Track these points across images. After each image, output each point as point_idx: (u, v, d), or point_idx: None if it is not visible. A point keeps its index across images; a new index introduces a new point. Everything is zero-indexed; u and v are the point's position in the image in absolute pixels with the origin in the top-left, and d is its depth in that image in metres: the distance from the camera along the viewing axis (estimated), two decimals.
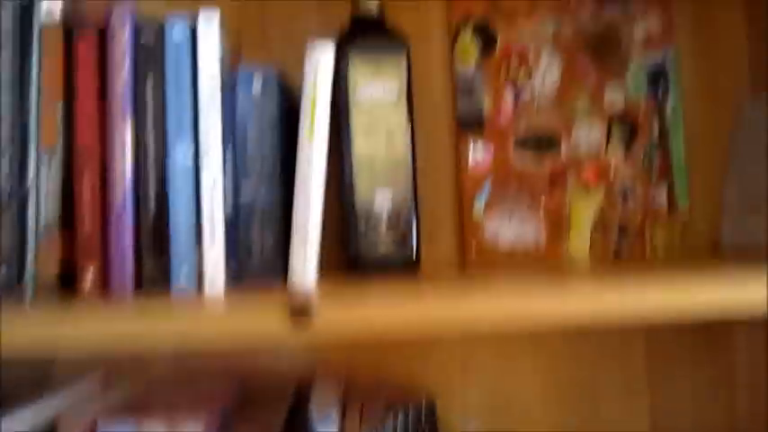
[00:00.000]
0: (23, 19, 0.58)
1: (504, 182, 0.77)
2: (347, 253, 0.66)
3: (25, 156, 0.57)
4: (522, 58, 0.78)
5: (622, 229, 0.77)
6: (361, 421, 0.64)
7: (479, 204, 0.76)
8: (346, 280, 0.61)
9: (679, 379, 0.79)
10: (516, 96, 0.78)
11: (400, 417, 0.66)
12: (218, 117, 0.59)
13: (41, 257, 0.57)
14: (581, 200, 0.77)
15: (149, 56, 0.59)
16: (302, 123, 0.60)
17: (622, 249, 0.77)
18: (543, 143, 0.78)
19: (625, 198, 0.78)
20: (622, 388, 0.78)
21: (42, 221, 0.57)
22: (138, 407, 0.62)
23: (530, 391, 0.78)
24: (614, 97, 0.79)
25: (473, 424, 0.77)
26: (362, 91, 0.65)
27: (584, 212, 0.77)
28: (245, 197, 0.62)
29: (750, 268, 0.50)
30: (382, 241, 0.65)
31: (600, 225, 0.77)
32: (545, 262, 0.75)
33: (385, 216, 0.66)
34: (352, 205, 0.65)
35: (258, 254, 0.62)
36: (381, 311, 0.45)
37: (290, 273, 0.60)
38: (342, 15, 0.74)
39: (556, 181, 0.77)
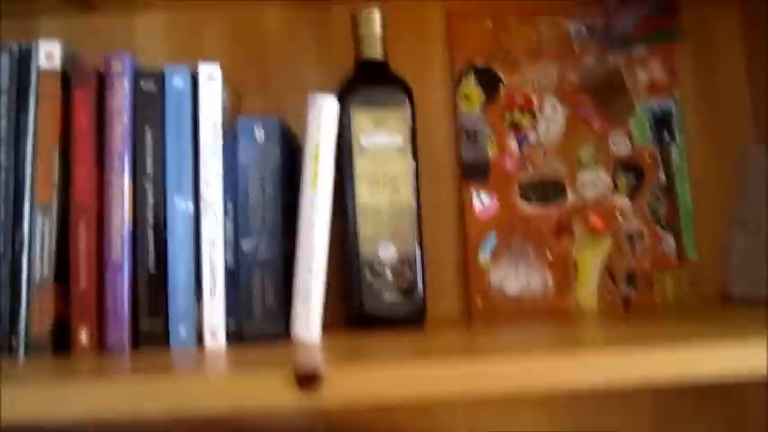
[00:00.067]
0: (21, 64, 0.57)
1: (510, 230, 0.75)
2: (351, 306, 0.64)
3: (19, 209, 0.55)
4: (526, 105, 0.78)
5: (631, 277, 0.76)
6: None
7: (485, 253, 0.75)
8: (352, 338, 0.59)
9: None
10: (520, 143, 0.77)
11: None
12: (219, 167, 0.58)
13: (34, 315, 0.55)
14: (588, 247, 0.76)
15: (149, 103, 0.58)
16: (305, 174, 0.58)
17: (631, 298, 0.75)
18: (549, 190, 0.76)
19: (633, 245, 0.76)
20: None
21: (36, 277, 0.55)
22: None
23: None
24: (619, 143, 0.78)
25: None
26: (366, 139, 0.64)
27: (592, 260, 0.76)
28: (246, 249, 0.60)
29: (754, 326, 0.48)
30: (387, 294, 0.64)
31: (608, 273, 0.76)
32: (552, 313, 0.73)
33: (390, 268, 0.64)
34: (356, 256, 0.64)
35: (259, 307, 0.60)
36: (391, 378, 0.43)
37: (292, 328, 0.58)
38: (342, 61, 0.74)
39: (562, 228, 0.76)
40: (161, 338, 0.56)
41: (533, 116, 0.77)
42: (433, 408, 0.74)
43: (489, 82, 0.78)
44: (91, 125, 0.56)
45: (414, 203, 0.65)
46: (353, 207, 0.64)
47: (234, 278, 0.59)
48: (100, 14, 0.75)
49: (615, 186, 0.77)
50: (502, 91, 0.78)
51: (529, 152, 0.77)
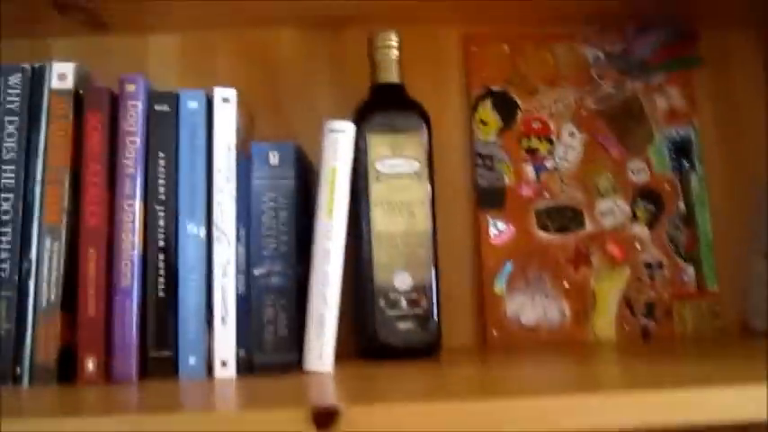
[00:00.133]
0: (33, 83, 0.56)
1: (526, 259, 0.74)
2: (364, 336, 0.63)
3: (28, 232, 0.54)
4: (544, 131, 0.76)
5: (650, 308, 0.74)
6: None
7: (500, 282, 0.73)
8: (365, 370, 0.57)
9: None
10: (537, 170, 0.75)
11: None
12: (233, 192, 0.56)
13: (40, 342, 0.53)
14: (606, 277, 0.74)
15: (162, 126, 0.57)
16: (320, 200, 0.57)
17: (650, 329, 0.73)
18: (566, 218, 0.75)
19: (652, 275, 0.74)
20: None
21: (43, 303, 0.53)
22: None
23: None
24: (638, 171, 0.76)
25: None
26: (382, 165, 0.63)
27: (610, 290, 0.74)
28: (258, 275, 0.58)
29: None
30: (402, 323, 0.62)
31: (626, 303, 0.74)
32: (569, 344, 0.71)
33: (405, 296, 0.62)
34: (370, 284, 0.62)
35: (271, 336, 0.58)
36: (409, 416, 0.41)
37: (305, 358, 0.56)
38: (356, 85, 0.73)
39: (580, 258, 0.74)
40: (170, 367, 0.55)
41: (551, 142, 0.76)
42: None
43: (506, 107, 0.77)
44: (103, 147, 0.55)
45: (430, 230, 0.63)
46: (368, 234, 0.62)
47: (245, 306, 0.58)
48: (113, 36, 0.74)
49: (634, 215, 0.75)
50: (519, 116, 0.76)
51: (546, 179, 0.75)
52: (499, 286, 0.73)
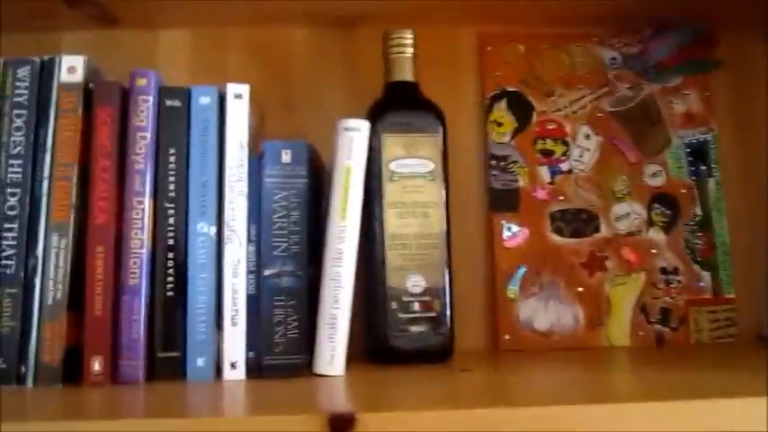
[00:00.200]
0: (42, 77, 0.54)
1: (540, 262, 0.72)
2: (375, 339, 0.61)
3: (34, 229, 0.53)
4: (559, 132, 0.75)
5: (665, 314, 0.72)
6: None
7: (513, 286, 0.72)
8: (377, 374, 0.56)
9: None
10: (552, 172, 0.74)
11: None
12: (244, 190, 0.55)
13: (45, 341, 0.52)
14: (621, 283, 0.72)
15: (173, 122, 0.56)
16: (333, 201, 0.56)
17: (664, 336, 0.72)
18: (581, 222, 0.73)
19: (668, 281, 0.73)
20: None
21: (48, 301, 0.52)
22: None
23: None
24: (654, 175, 0.75)
25: None
26: (396, 166, 0.62)
27: (625, 296, 0.72)
28: (268, 276, 0.57)
29: None
30: (414, 327, 0.60)
31: (640, 309, 0.72)
32: (583, 350, 0.70)
33: (417, 299, 0.61)
34: (383, 287, 0.61)
35: (281, 338, 0.56)
36: (425, 422, 0.40)
37: (315, 362, 0.55)
38: (369, 83, 0.71)
39: (594, 262, 0.73)
40: (177, 369, 0.53)
41: (566, 145, 0.75)
42: None
43: (521, 108, 0.75)
44: (112, 143, 0.54)
45: (444, 232, 0.62)
46: (381, 235, 0.61)
47: (254, 307, 0.56)
48: (123, 31, 0.73)
49: (650, 220, 0.74)
50: (534, 118, 0.75)
51: (561, 182, 0.74)
52: (512, 290, 0.72)
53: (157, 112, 0.55)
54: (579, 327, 0.71)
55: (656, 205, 0.74)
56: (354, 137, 0.56)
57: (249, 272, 0.56)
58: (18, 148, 0.53)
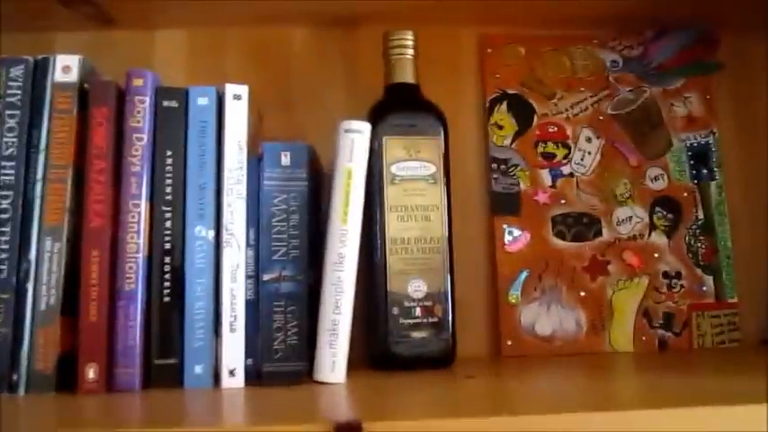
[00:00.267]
0: (36, 76, 0.53)
1: (542, 267, 0.71)
2: (376, 345, 0.60)
3: (27, 232, 0.51)
4: (560, 135, 0.74)
5: (667, 319, 0.72)
6: None
7: (515, 291, 0.71)
8: (379, 381, 0.54)
9: None
10: (554, 175, 0.73)
11: None
12: (243, 192, 0.54)
13: (38, 348, 0.50)
14: (623, 287, 0.72)
15: (171, 123, 0.54)
16: (334, 204, 0.55)
17: (667, 340, 0.71)
18: (583, 226, 0.73)
19: (670, 286, 0.72)
20: None
21: (42, 307, 0.51)
22: None
23: None
24: (656, 178, 0.74)
25: None
26: (397, 168, 0.61)
27: (627, 300, 0.72)
28: (267, 281, 0.56)
29: None
30: (415, 333, 0.59)
31: (643, 314, 0.71)
32: (585, 356, 0.69)
33: (419, 305, 0.60)
34: (383, 292, 0.60)
35: (280, 344, 0.55)
36: (431, 430, 0.39)
37: (316, 369, 0.53)
38: (369, 84, 0.70)
39: (597, 266, 0.72)
40: (175, 376, 0.52)
41: (567, 148, 0.74)
42: None
43: (522, 111, 0.74)
44: (108, 144, 0.52)
45: (446, 236, 0.61)
46: (382, 239, 0.60)
47: (253, 312, 0.55)
48: (119, 31, 0.72)
49: (652, 223, 0.73)
50: (535, 121, 0.74)
51: (562, 185, 0.73)
52: (514, 295, 0.71)
53: (154, 112, 0.54)
54: (582, 332, 0.71)
55: (657, 209, 0.74)
56: (356, 139, 0.55)
57: (248, 277, 0.55)
58: (11, 150, 0.52)
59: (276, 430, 0.36)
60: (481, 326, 0.72)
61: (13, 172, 0.52)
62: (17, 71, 0.53)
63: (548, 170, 0.73)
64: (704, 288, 0.73)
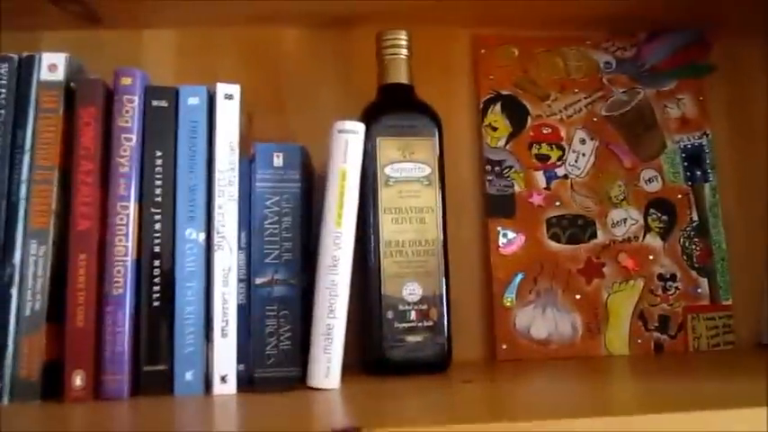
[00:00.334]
0: (21, 74, 0.51)
1: (537, 269, 0.70)
2: (370, 350, 0.59)
3: (11, 235, 0.50)
4: (554, 137, 0.74)
5: (663, 321, 0.71)
6: None
7: (510, 294, 0.70)
8: (374, 387, 0.53)
9: None
10: (548, 177, 0.73)
11: None
12: (235, 194, 0.53)
13: (23, 355, 0.49)
14: (619, 290, 0.71)
15: (160, 123, 0.53)
16: (328, 206, 0.54)
17: (663, 343, 0.71)
18: (578, 228, 0.72)
19: (665, 288, 0.72)
20: None
21: (26, 313, 0.49)
22: None
23: None
24: (650, 180, 0.74)
25: None
26: (392, 170, 0.60)
27: (623, 303, 0.71)
28: (259, 284, 0.55)
29: None
30: (410, 337, 0.58)
31: (639, 317, 0.71)
32: (581, 360, 0.68)
33: (414, 308, 0.59)
34: (378, 296, 0.59)
35: (273, 350, 0.54)
36: None
37: (309, 375, 0.52)
38: (362, 85, 0.69)
39: (592, 269, 0.71)
40: (165, 383, 0.50)
41: (561, 149, 0.73)
42: None
43: (516, 112, 0.74)
44: (95, 144, 0.51)
45: (441, 238, 0.60)
46: (376, 242, 0.59)
47: (245, 317, 0.54)
48: (106, 30, 0.70)
49: (646, 225, 0.73)
50: (529, 122, 0.74)
51: (557, 187, 0.72)
52: (509, 298, 0.70)
53: (143, 112, 0.52)
54: (577, 335, 0.70)
55: (652, 211, 0.73)
56: (350, 139, 0.54)
57: (239, 280, 0.54)
58: None
59: None
60: (476, 329, 0.71)
61: None
62: (1, 69, 0.51)
63: (542, 172, 0.73)
64: (699, 290, 0.72)
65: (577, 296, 0.70)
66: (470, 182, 0.73)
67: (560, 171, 0.73)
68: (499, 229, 0.71)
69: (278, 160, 0.56)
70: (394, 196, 0.60)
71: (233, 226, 0.52)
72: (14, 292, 0.49)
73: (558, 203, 0.72)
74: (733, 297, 0.73)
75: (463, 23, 0.75)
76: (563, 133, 0.74)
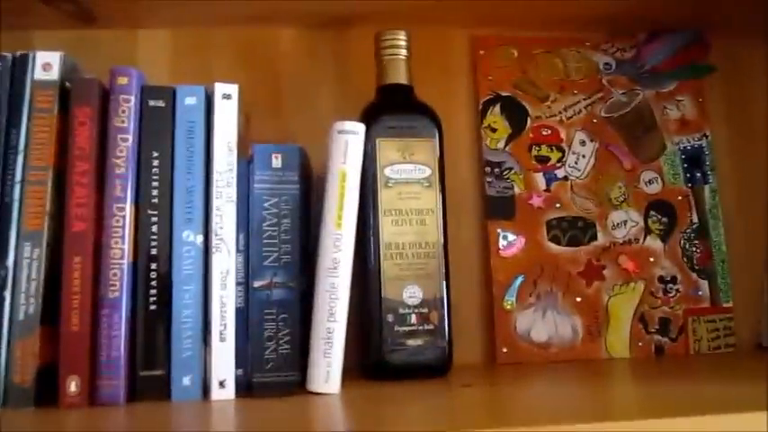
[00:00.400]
0: (14, 73, 0.50)
1: (537, 272, 0.70)
2: (370, 353, 0.58)
3: (4, 238, 0.49)
4: (554, 138, 0.73)
5: (663, 324, 0.71)
6: None
7: (510, 296, 0.69)
8: (374, 392, 0.52)
9: None
10: (548, 179, 0.72)
11: None
12: (233, 195, 0.52)
13: (16, 360, 0.47)
14: (619, 292, 0.71)
15: (157, 123, 0.52)
16: (327, 208, 0.53)
17: (664, 346, 0.70)
18: (578, 230, 0.71)
19: (666, 291, 0.71)
20: None
21: (20, 317, 0.48)
22: None
23: None
24: (650, 182, 0.73)
25: None
26: (391, 172, 0.59)
27: (623, 306, 0.70)
28: (258, 288, 0.54)
29: None
30: (411, 340, 0.58)
31: (639, 319, 0.70)
32: (582, 363, 0.67)
33: (414, 311, 0.58)
34: (378, 299, 0.58)
35: (272, 354, 0.53)
36: None
37: (309, 379, 0.51)
38: (360, 85, 0.69)
39: (592, 271, 0.71)
40: (162, 388, 0.49)
41: (561, 151, 0.73)
42: None
43: (515, 113, 0.73)
44: (91, 145, 0.50)
45: (441, 241, 0.60)
46: (376, 244, 0.58)
47: (243, 321, 0.53)
48: (101, 30, 0.69)
49: (647, 227, 0.72)
50: (528, 123, 0.73)
51: (557, 189, 0.72)
52: (509, 301, 0.69)
53: (140, 112, 0.52)
54: (578, 338, 0.69)
55: (652, 213, 0.73)
56: (350, 140, 0.53)
57: (237, 283, 0.53)
58: None
59: None
60: (475, 333, 0.70)
61: None
62: None
63: (542, 174, 0.72)
64: (700, 292, 0.72)
65: (578, 299, 0.70)
66: (470, 183, 0.73)
67: (560, 173, 0.72)
68: (499, 231, 0.70)
69: (276, 161, 0.55)
70: (394, 198, 0.59)
71: (231, 228, 0.51)
72: (7, 295, 0.48)
73: (558, 205, 0.72)
74: (733, 299, 0.72)
75: (462, 24, 0.74)
76: (563, 135, 0.73)
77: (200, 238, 0.51)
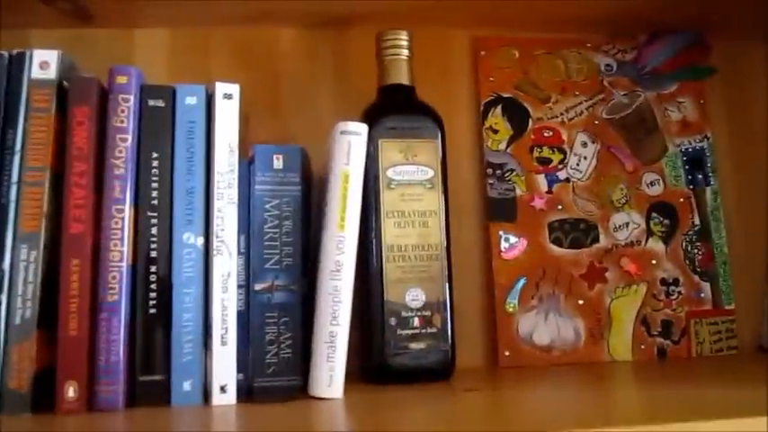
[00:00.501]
0: (11, 72, 0.49)
1: (540, 274, 0.69)
2: (372, 357, 0.57)
3: (1, 240, 0.48)
4: (556, 140, 0.73)
5: (666, 327, 0.70)
6: None
7: (512, 299, 0.68)
8: (377, 397, 0.51)
9: None
10: (550, 181, 0.71)
11: None
12: (234, 197, 0.51)
13: (13, 365, 0.46)
14: (622, 294, 0.70)
15: (156, 123, 0.51)
16: (330, 210, 0.52)
17: (666, 349, 0.70)
18: (580, 232, 0.71)
19: (668, 293, 0.71)
20: None
21: (16, 321, 0.47)
22: None
23: None
24: (652, 183, 0.73)
25: None
26: (394, 173, 0.58)
27: (626, 308, 0.70)
28: (259, 291, 0.53)
29: None
30: (413, 344, 0.57)
31: (641, 322, 0.70)
32: (584, 366, 0.67)
33: (417, 314, 0.57)
34: (380, 302, 0.57)
35: (273, 358, 0.52)
36: None
37: (311, 384, 0.51)
38: (361, 86, 0.68)
39: (594, 273, 0.70)
40: (161, 393, 0.49)
41: (563, 152, 0.72)
42: None
43: (517, 115, 0.73)
44: (89, 145, 0.49)
45: (444, 243, 0.59)
46: (378, 247, 0.58)
47: (244, 325, 0.52)
48: (98, 29, 0.68)
49: (649, 229, 0.72)
50: (530, 125, 0.73)
51: (559, 191, 0.71)
52: (511, 303, 0.68)
53: (139, 112, 0.51)
54: (580, 341, 0.69)
55: (654, 215, 0.72)
56: (353, 141, 0.52)
57: (238, 286, 0.52)
58: None
59: None
60: (477, 336, 0.70)
61: None
62: None
63: (544, 175, 0.72)
64: (702, 295, 0.72)
65: (580, 301, 0.69)
66: (471, 185, 0.72)
67: (562, 174, 0.72)
68: (501, 233, 0.70)
69: (278, 162, 0.54)
70: (396, 199, 0.58)
71: (232, 230, 0.51)
72: (3, 298, 0.47)
73: (559, 207, 0.71)
74: (735, 301, 0.72)
75: (463, 24, 0.74)
76: (564, 136, 0.73)
77: (200, 241, 0.50)
